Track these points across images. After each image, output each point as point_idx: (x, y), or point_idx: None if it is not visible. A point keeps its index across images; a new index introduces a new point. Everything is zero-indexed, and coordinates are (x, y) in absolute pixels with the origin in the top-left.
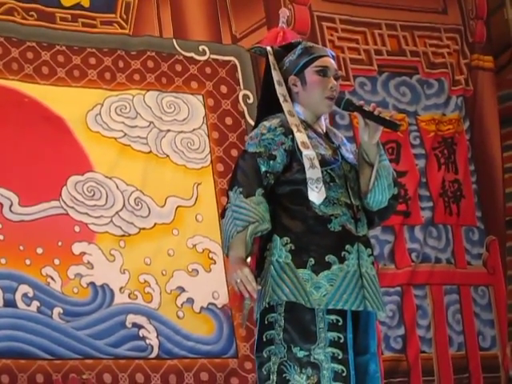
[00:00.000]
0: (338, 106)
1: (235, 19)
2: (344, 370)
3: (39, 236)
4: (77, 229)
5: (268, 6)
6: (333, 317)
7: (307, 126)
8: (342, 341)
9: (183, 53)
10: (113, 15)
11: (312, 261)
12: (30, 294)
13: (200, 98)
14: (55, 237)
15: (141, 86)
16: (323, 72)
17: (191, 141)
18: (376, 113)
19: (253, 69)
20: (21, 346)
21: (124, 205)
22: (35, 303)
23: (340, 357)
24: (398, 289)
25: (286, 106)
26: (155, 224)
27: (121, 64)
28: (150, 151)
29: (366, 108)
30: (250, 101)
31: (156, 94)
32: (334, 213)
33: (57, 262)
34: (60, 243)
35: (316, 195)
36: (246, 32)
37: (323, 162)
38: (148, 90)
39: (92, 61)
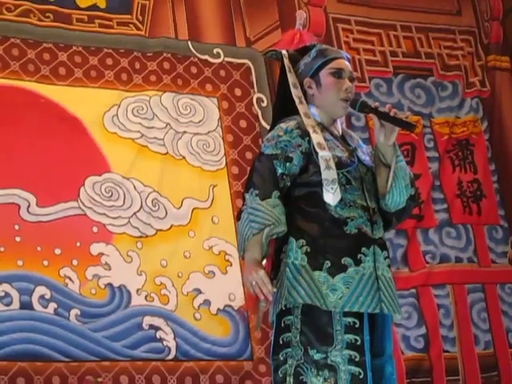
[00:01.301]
0: (353, 108)
1: (249, 22)
2: (361, 372)
3: (57, 237)
4: (95, 229)
5: (282, 9)
6: (350, 319)
7: (323, 128)
8: (358, 343)
9: (198, 55)
10: (129, 16)
11: (328, 263)
12: (47, 296)
13: (215, 100)
14: (73, 237)
15: (157, 88)
16: (338, 74)
17: (207, 143)
18: (392, 114)
19: (266, 72)
20: (37, 349)
21: (141, 206)
22: (52, 305)
23: (357, 359)
24: (413, 291)
25: (301, 108)
26: (172, 225)
27: (137, 65)
28: (167, 152)
29: (382, 109)
30: (264, 104)
31: (172, 96)
32: (350, 215)
33: (75, 262)
34: (78, 244)
35: (331, 196)
36: (260, 35)
37: (339, 165)
38: (164, 92)
39: (109, 61)
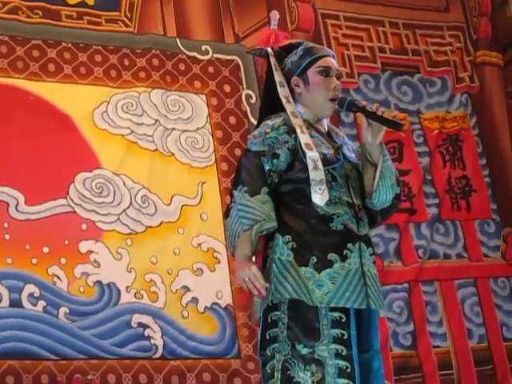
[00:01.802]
0: (341, 107)
1: (238, 18)
2: (348, 366)
3: (45, 235)
4: (84, 227)
5: (271, 5)
6: (336, 314)
7: (309, 125)
8: (345, 337)
9: (186, 52)
10: (117, 13)
11: (314, 259)
12: (37, 294)
13: (203, 97)
14: (62, 235)
15: (146, 84)
16: (326, 72)
17: (195, 140)
18: (379, 113)
19: (255, 68)
20: (26, 347)
21: (131, 202)
22: (41, 303)
23: (344, 353)
24: (406, 285)
25: (289, 107)
26: (161, 222)
27: (126, 62)
28: (156, 149)
29: (369, 108)
30: (253, 100)
31: (161, 92)
32: (336, 212)
33: (63, 260)
34: (67, 242)
35: (319, 197)
36: (248, 31)
37: (325, 162)
38: (153, 88)
39: (98, 58)
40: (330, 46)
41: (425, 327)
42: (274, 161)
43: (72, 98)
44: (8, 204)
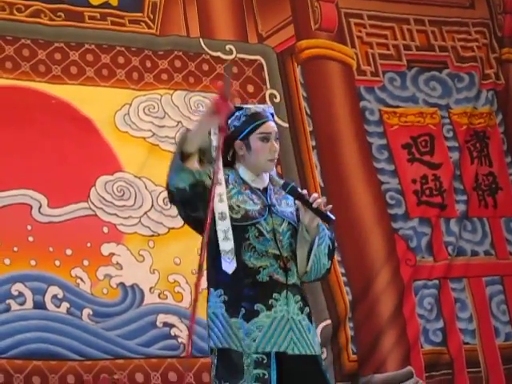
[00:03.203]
0: (284, 190)
1: (261, 18)
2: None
3: (68, 237)
4: (105, 230)
5: (294, 5)
6: (259, 355)
7: (243, 183)
8: (266, 377)
9: (210, 52)
10: (140, 14)
11: (243, 310)
12: (60, 296)
13: None
14: (84, 238)
15: (168, 86)
16: (266, 138)
17: None
18: (314, 205)
19: (279, 68)
20: (51, 348)
21: (152, 205)
22: (65, 304)
23: None
24: (436, 282)
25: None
26: (184, 223)
27: (148, 64)
28: None
29: (307, 198)
30: (277, 100)
31: (184, 94)
32: (262, 264)
33: (86, 263)
34: (89, 244)
35: (228, 266)
36: (272, 31)
37: (246, 217)
38: (175, 90)
39: (121, 60)
40: (353, 45)
41: (455, 324)
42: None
43: (94, 100)
44: (31, 206)
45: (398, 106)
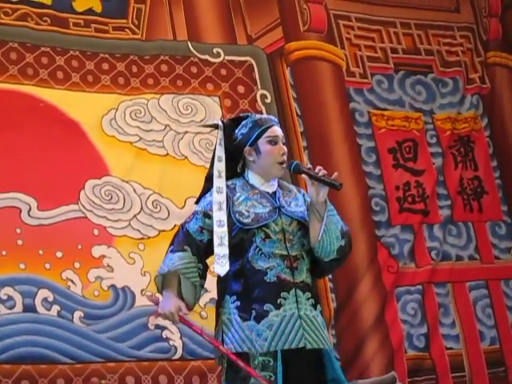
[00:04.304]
0: (288, 169)
1: (250, 20)
2: None
3: (58, 240)
4: (96, 232)
5: (283, 6)
6: (265, 358)
7: (252, 187)
8: (272, 379)
9: (198, 55)
10: (124, 21)
11: (253, 312)
12: (50, 299)
13: (216, 99)
14: (74, 240)
15: (155, 90)
16: (274, 141)
17: (209, 141)
18: (320, 174)
19: (269, 68)
20: (41, 351)
21: (142, 208)
22: (55, 307)
23: None
24: (419, 287)
25: (217, 182)
26: (175, 225)
27: (134, 69)
28: (167, 154)
29: (311, 171)
30: (268, 100)
31: (171, 97)
32: (269, 265)
33: (77, 265)
34: (80, 246)
35: (221, 269)
36: (261, 32)
37: (256, 220)
38: (162, 94)
39: (105, 66)
40: (343, 47)
41: (437, 329)
42: (206, 220)
43: (81, 105)
44: (20, 210)
45: (385, 109)
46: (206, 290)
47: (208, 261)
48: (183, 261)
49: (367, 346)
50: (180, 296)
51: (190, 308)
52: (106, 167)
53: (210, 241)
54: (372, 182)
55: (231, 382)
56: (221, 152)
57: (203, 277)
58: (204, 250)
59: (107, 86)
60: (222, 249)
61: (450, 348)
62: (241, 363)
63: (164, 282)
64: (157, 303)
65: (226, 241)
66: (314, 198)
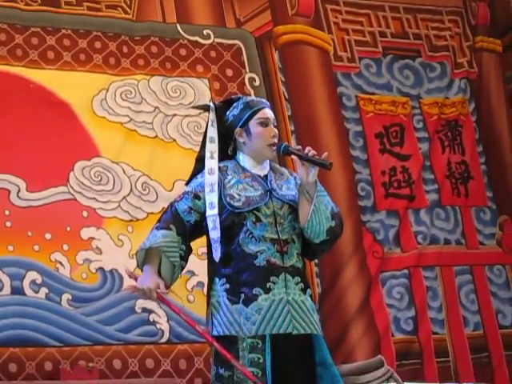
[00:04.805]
0: (278, 151)
1: (238, 3)
2: None
3: (47, 221)
4: (85, 214)
5: None
6: (253, 340)
7: (243, 170)
8: (261, 361)
9: (188, 37)
10: None
11: (242, 296)
12: (39, 281)
13: (206, 81)
14: (63, 222)
15: (145, 71)
16: (265, 123)
17: (198, 124)
18: (310, 154)
19: (258, 52)
20: (29, 334)
21: (131, 190)
22: (43, 290)
23: (259, 375)
24: (405, 271)
25: (209, 164)
26: (163, 208)
27: (125, 49)
28: (156, 136)
29: (301, 152)
30: (256, 83)
31: (160, 80)
32: (259, 249)
33: (65, 247)
34: (68, 228)
35: (214, 253)
36: (249, 16)
37: (247, 203)
38: (152, 75)
39: (97, 45)
40: (330, 31)
41: (426, 313)
42: (195, 201)
43: (71, 85)
44: (9, 191)
45: (373, 93)
46: (194, 274)
47: (192, 244)
48: (166, 239)
49: (352, 330)
50: (159, 274)
51: (167, 287)
52: (97, 148)
53: (197, 222)
54: (359, 167)
55: (220, 364)
56: (213, 133)
57: (184, 259)
58: (190, 231)
59: (99, 66)
60: (215, 232)
61: (436, 333)
62: (216, 345)
63: (145, 257)
64: (135, 278)
65: (217, 223)
66: (304, 179)
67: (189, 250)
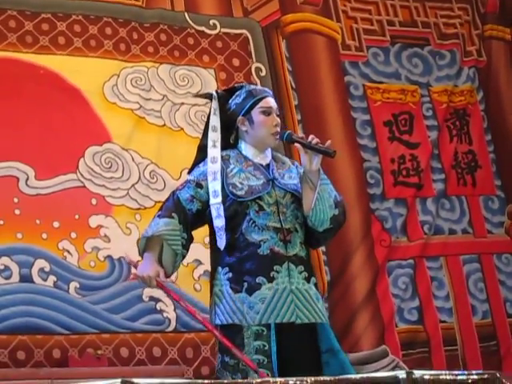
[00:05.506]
0: (281, 139)
1: None
2: (269, 374)
3: (56, 209)
4: (94, 201)
5: None
6: (258, 327)
7: (246, 159)
8: (266, 348)
9: (195, 26)
10: None
11: (246, 284)
12: (47, 269)
13: (212, 71)
14: (72, 210)
15: (154, 59)
16: (268, 112)
17: (205, 113)
18: (313, 142)
19: (265, 42)
20: (37, 322)
21: (140, 178)
22: (52, 278)
23: (265, 362)
24: (411, 261)
25: (211, 152)
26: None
27: (135, 36)
28: (164, 124)
29: (304, 140)
30: (263, 73)
31: (169, 68)
32: (262, 238)
33: (73, 235)
34: (77, 216)
35: (219, 241)
36: (257, 5)
37: (249, 192)
38: (161, 63)
39: (108, 31)
40: (338, 20)
41: (431, 302)
42: (198, 189)
43: (82, 71)
44: (18, 179)
45: (381, 82)
46: (200, 263)
47: (199, 233)
48: (168, 227)
49: (358, 319)
50: (160, 262)
51: (167, 275)
52: (108, 134)
53: (199, 211)
54: (367, 155)
55: (225, 352)
56: (216, 122)
57: (185, 247)
58: (191, 220)
59: (109, 52)
60: (219, 221)
61: (444, 321)
62: (216, 333)
63: (146, 245)
64: (135, 266)
65: (221, 211)
66: (308, 167)
67: (190, 239)
